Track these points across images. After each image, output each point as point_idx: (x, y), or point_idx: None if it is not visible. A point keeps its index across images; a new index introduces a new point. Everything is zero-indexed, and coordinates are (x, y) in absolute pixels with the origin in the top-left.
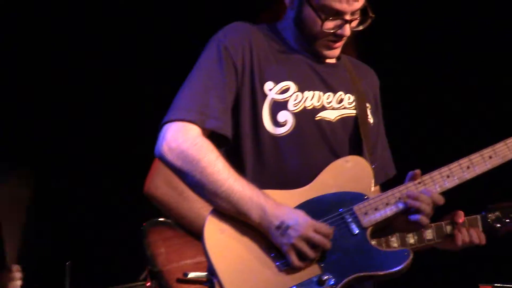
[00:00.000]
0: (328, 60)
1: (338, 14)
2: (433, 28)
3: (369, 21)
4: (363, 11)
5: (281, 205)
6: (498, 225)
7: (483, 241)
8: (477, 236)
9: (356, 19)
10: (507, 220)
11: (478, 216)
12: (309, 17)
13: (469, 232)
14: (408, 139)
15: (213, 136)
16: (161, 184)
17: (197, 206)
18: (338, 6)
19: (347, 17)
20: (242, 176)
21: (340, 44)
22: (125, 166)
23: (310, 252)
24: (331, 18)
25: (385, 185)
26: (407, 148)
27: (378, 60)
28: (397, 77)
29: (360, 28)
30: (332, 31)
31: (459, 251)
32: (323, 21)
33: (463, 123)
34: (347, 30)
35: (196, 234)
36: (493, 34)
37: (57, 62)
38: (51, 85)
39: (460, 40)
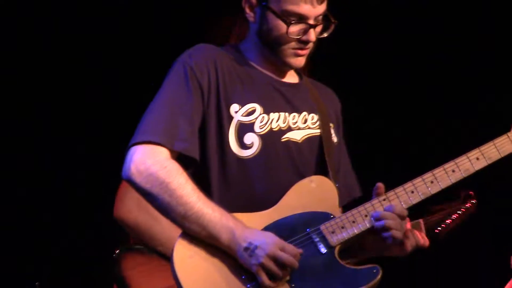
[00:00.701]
0: (290, 81)
1: (301, 18)
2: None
3: (332, 27)
4: (325, 17)
5: (250, 228)
6: (439, 228)
7: (427, 243)
8: (422, 238)
9: (320, 24)
10: (447, 222)
11: (421, 221)
12: (273, 24)
13: (415, 236)
14: (375, 153)
15: (180, 157)
16: (133, 208)
17: (169, 228)
18: (302, 10)
19: (311, 21)
20: (210, 199)
21: (306, 52)
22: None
23: (278, 271)
24: (295, 22)
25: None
26: (373, 164)
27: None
28: (359, 91)
29: (325, 35)
30: (297, 36)
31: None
32: (288, 25)
33: (429, 133)
34: (312, 35)
35: (168, 256)
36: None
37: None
38: None
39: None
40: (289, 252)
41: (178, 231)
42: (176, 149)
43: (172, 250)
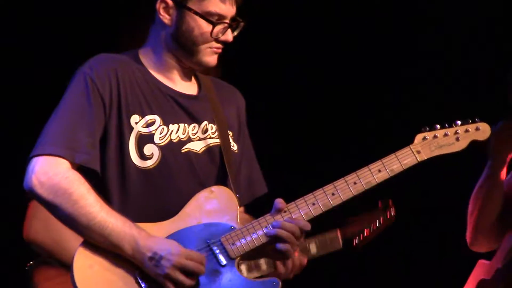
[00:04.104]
0: (190, 92)
1: (221, 18)
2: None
3: (241, 25)
4: (234, 18)
5: (154, 236)
6: (357, 239)
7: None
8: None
9: (233, 24)
10: (366, 232)
11: (338, 231)
12: (195, 25)
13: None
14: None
15: (81, 169)
16: (40, 228)
17: (77, 244)
18: (222, 10)
19: (228, 21)
20: (113, 209)
21: (220, 51)
22: None
23: (185, 280)
24: (214, 24)
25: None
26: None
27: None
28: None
29: (235, 33)
30: (217, 36)
31: None
32: (214, 25)
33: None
34: (229, 35)
35: None
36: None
37: None
38: None
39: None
40: (195, 259)
41: None
42: (77, 162)
43: (72, 259)
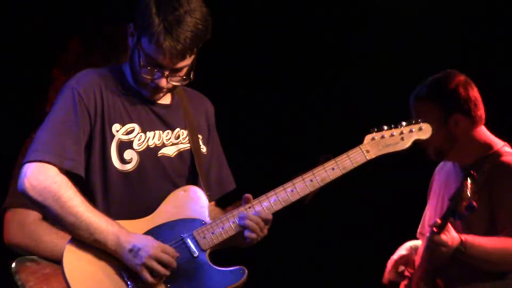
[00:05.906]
0: (164, 101)
1: (158, 66)
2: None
3: (187, 81)
4: (189, 69)
5: (133, 233)
6: None
7: None
8: None
9: (175, 76)
10: None
11: None
12: (135, 60)
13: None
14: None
15: (68, 174)
16: (17, 232)
17: (52, 238)
18: (160, 59)
19: (166, 72)
20: (97, 208)
21: (161, 92)
22: None
23: (161, 269)
24: (149, 67)
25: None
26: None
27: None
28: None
29: (178, 84)
30: (149, 79)
31: None
32: (140, 67)
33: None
34: (162, 82)
35: (59, 262)
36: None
37: None
38: None
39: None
40: (168, 253)
41: (61, 239)
42: (65, 167)
43: (62, 255)
